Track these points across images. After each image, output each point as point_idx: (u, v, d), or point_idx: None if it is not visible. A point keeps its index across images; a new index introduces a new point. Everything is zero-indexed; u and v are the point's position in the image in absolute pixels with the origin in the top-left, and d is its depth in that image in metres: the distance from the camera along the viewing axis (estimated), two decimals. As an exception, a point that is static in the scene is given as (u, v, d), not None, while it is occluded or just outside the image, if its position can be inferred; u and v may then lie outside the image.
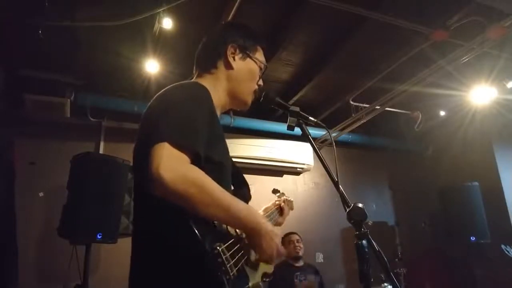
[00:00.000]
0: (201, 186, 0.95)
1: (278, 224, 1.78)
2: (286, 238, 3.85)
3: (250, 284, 1.13)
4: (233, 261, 1.00)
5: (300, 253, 3.81)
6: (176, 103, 1.08)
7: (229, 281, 0.94)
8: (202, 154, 1.00)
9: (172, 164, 0.92)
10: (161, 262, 0.99)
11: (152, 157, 0.93)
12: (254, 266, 1.22)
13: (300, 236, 3.94)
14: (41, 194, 3.47)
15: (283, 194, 1.91)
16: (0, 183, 2.93)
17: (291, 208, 1.90)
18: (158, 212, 1.02)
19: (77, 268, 2.83)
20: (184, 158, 0.96)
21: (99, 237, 2.75)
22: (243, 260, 1.09)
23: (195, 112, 1.06)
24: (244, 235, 1.11)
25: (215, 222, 1.03)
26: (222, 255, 0.95)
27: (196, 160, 0.99)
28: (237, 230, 1.12)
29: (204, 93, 1.14)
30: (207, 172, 0.98)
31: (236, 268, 1.00)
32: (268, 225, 1.08)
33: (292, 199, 1.89)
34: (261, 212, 1.66)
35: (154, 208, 1.02)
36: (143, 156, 0.97)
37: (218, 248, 0.95)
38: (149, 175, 0.91)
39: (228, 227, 1.09)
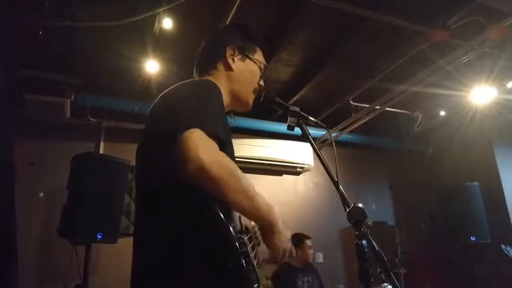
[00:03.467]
0: (233, 172, 0.96)
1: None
2: (306, 242, 3.69)
3: (262, 281, 1.14)
4: (252, 255, 1.02)
5: (311, 260, 3.75)
6: (193, 94, 1.10)
7: (255, 269, 0.96)
8: (225, 140, 1.02)
9: (208, 148, 0.93)
10: (187, 254, 0.96)
11: (186, 143, 0.92)
12: (260, 264, 1.23)
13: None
14: (41, 194, 3.47)
15: None
16: (0, 183, 2.94)
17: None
18: (177, 205, 1.01)
19: (77, 268, 2.84)
20: (215, 144, 0.97)
21: (99, 237, 2.75)
22: (256, 257, 1.10)
23: (210, 104, 1.07)
24: (256, 233, 1.12)
25: (233, 217, 1.03)
26: (246, 246, 0.97)
27: (220, 146, 1.00)
28: (249, 228, 1.12)
29: (216, 89, 1.16)
30: None
31: (255, 261, 1.03)
32: (282, 226, 1.10)
33: None
34: None
35: (171, 201, 1.02)
36: (157, 151, 0.98)
37: (243, 237, 0.97)
38: (187, 160, 0.90)
39: (243, 223, 1.09)
